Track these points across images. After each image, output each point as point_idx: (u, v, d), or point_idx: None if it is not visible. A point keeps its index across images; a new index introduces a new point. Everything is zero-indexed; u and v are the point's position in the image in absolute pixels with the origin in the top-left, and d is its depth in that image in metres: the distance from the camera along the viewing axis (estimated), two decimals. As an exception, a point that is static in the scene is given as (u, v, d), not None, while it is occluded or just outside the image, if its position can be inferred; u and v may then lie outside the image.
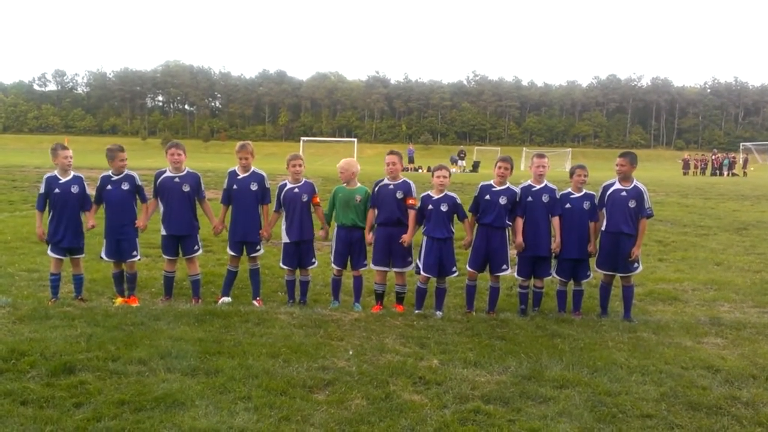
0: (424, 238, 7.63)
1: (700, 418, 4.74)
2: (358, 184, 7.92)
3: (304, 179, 7.96)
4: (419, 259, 7.66)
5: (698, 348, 6.46)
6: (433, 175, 7.74)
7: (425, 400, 4.91)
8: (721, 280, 9.73)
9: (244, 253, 7.90)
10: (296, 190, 7.83)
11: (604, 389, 5.19)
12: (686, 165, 52.33)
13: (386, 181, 7.72)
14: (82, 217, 7.70)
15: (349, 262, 7.88)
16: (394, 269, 7.73)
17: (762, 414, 4.81)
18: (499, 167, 7.67)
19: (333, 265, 7.92)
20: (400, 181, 7.69)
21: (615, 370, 5.65)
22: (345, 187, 7.87)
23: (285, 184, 7.92)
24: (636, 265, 7.60)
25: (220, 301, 7.77)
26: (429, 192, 7.72)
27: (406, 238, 7.52)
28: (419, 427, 4.46)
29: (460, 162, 47.06)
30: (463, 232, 7.90)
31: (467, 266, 7.78)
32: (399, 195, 7.58)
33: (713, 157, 52.20)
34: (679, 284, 9.54)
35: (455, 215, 7.65)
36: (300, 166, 7.90)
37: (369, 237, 7.76)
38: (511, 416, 4.67)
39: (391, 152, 7.86)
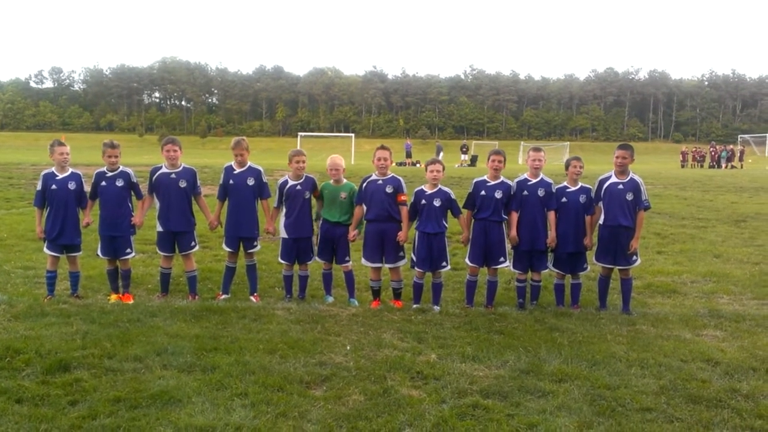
0: (416, 233, 7.60)
1: (700, 411, 4.71)
2: (345, 181, 7.88)
3: (305, 175, 7.92)
4: (413, 254, 7.63)
5: (697, 340, 6.44)
6: (426, 170, 7.70)
7: (423, 395, 4.88)
8: (720, 272, 9.71)
9: (241, 249, 7.87)
10: (299, 187, 7.78)
11: (603, 383, 5.16)
12: (684, 158, 52.30)
13: (375, 176, 7.65)
14: (79, 214, 7.65)
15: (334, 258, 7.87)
16: (387, 265, 7.66)
17: (762, 406, 4.79)
18: (493, 161, 7.62)
19: (317, 258, 7.90)
20: (389, 176, 7.62)
21: (614, 364, 5.62)
22: (331, 184, 7.84)
23: (286, 181, 7.86)
24: (634, 258, 7.58)
25: (220, 299, 7.73)
26: (423, 186, 7.67)
27: (401, 236, 7.48)
28: (417, 422, 4.43)
29: (462, 156, 47.09)
30: (458, 227, 7.85)
31: (467, 261, 7.75)
32: (389, 190, 7.51)
33: (711, 149, 52.14)
34: (678, 277, 9.52)
35: (449, 210, 7.61)
36: (303, 162, 7.84)
37: (352, 234, 7.69)
38: (509, 410, 4.65)
39: (382, 147, 7.75)
